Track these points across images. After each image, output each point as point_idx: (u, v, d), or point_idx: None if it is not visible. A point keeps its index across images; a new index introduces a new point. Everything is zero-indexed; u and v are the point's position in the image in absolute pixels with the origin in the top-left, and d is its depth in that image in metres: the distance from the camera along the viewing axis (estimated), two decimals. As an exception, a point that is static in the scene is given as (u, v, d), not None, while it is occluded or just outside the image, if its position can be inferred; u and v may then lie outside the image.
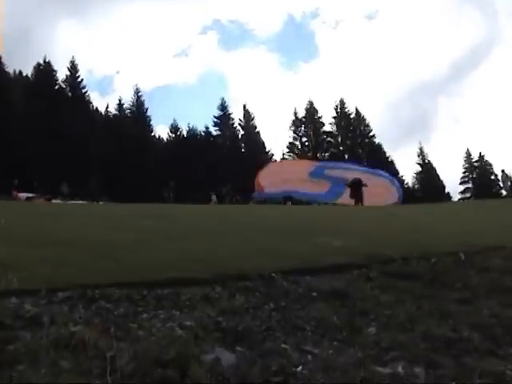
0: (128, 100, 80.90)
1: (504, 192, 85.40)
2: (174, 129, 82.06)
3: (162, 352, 4.38)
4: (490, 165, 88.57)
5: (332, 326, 5.70)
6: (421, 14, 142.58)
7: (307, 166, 10.74)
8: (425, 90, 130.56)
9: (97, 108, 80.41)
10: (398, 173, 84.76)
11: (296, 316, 5.96)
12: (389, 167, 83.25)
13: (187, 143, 78.25)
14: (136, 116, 78.48)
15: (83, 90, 77.21)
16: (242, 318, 5.74)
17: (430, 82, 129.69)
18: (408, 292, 7.13)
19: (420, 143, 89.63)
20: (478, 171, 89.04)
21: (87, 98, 77.80)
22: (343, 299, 6.66)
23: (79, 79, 77.82)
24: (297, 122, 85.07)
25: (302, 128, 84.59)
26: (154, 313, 5.72)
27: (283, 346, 5.05)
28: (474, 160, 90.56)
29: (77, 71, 78.16)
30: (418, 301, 6.77)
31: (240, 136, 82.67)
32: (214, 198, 43.98)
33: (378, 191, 9.76)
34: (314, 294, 6.82)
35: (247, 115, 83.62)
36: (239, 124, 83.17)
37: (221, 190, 46.18)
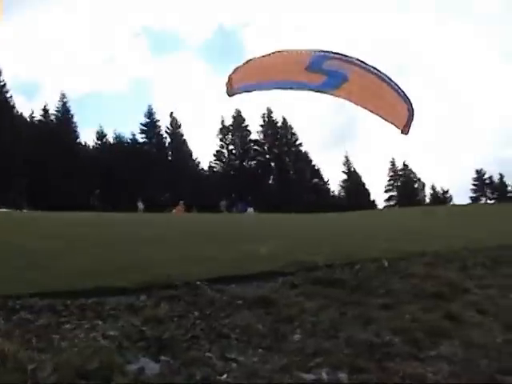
0: (54, 106, 78.75)
1: (427, 199, 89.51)
2: (101, 136, 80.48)
3: (85, 363, 4.36)
4: (414, 173, 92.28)
5: (257, 333, 5.82)
6: (352, 22, 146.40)
7: (306, 56, 10.20)
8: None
9: (21, 113, 77.66)
10: (323, 181, 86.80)
11: (221, 324, 6.05)
12: (315, 175, 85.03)
13: (113, 150, 76.99)
14: (62, 122, 76.33)
15: (7, 95, 74.29)
16: (167, 326, 5.78)
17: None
18: (332, 298, 7.35)
19: (346, 152, 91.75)
20: (403, 179, 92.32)
21: (11, 103, 74.92)
22: (268, 307, 6.80)
23: (2, 83, 74.73)
24: (224, 130, 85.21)
25: (230, 136, 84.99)
26: (77, 323, 5.68)
27: (208, 354, 5.13)
28: (398, 169, 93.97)
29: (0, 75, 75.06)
30: (343, 307, 7.00)
31: (167, 144, 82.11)
32: (140, 205, 43.48)
33: (388, 100, 9.33)
34: (239, 301, 6.92)
35: (174, 123, 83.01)
36: (166, 132, 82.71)
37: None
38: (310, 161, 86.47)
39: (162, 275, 7.58)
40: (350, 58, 10.44)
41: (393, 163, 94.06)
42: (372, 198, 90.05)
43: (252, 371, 4.77)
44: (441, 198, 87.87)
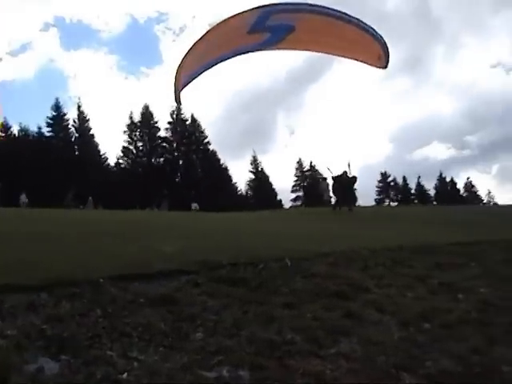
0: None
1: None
2: (5, 128, 77.10)
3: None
4: (321, 174, 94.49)
5: (159, 332, 5.84)
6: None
7: (250, 18, 9.43)
8: (263, 100, 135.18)
9: None
10: (231, 180, 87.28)
11: (123, 322, 6.03)
12: (222, 174, 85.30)
13: (18, 143, 73.87)
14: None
15: None
16: (68, 325, 5.71)
17: (269, 92, 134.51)
18: (235, 297, 7.47)
19: (254, 152, 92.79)
20: (309, 180, 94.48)
21: None
22: (171, 305, 6.83)
23: None
24: (132, 127, 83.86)
25: (138, 132, 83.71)
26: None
27: (109, 352, 5.11)
28: (305, 169, 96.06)
29: None
30: (245, 306, 7.14)
31: (74, 138, 79.76)
32: (23, 198, 41.87)
33: (351, 38, 8.69)
34: (142, 299, 6.91)
35: (82, 117, 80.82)
36: (73, 126, 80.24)
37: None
38: (218, 159, 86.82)
39: (64, 273, 7.46)
40: (300, 5, 10.22)
41: (300, 163, 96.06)
42: (279, 197, 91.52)
43: (153, 370, 4.80)
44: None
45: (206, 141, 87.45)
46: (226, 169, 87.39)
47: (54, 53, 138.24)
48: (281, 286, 8.34)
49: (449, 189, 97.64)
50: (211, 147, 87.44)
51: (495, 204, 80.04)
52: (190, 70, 10.02)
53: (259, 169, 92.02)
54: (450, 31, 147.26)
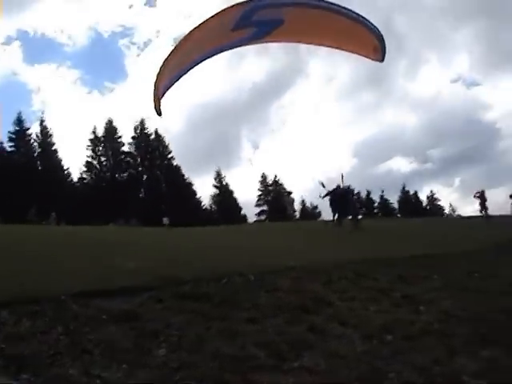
0: None
1: (297, 215, 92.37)
2: None
3: None
4: (284, 188, 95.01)
5: (121, 348, 5.80)
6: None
7: (235, 13, 8.97)
8: (227, 115, 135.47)
9: None
10: (195, 195, 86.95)
11: (85, 339, 5.97)
12: (186, 189, 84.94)
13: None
14: None
15: None
16: (29, 343, 5.64)
17: (233, 107, 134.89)
18: (198, 313, 7.46)
19: (218, 166, 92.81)
20: (273, 194, 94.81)
21: None
22: (133, 321, 6.80)
23: None
24: (95, 141, 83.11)
25: (101, 147, 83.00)
26: None
27: (71, 370, 5.05)
28: (269, 184, 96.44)
29: None
30: (208, 321, 7.13)
31: (36, 153, 78.66)
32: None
33: (344, 30, 8.21)
34: (104, 316, 6.86)
35: (45, 132, 79.81)
36: (36, 140, 79.18)
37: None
38: (182, 174, 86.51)
39: (25, 290, 7.38)
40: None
41: (264, 178, 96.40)
42: (243, 212, 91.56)
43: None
44: (310, 214, 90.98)
45: (170, 156, 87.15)
46: (189, 184, 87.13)
47: (17, 66, 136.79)
48: (244, 300, 8.34)
49: (412, 201, 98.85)
50: (175, 162, 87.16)
51: (457, 216, 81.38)
52: (169, 75, 9.82)
53: (223, 183, 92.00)
54: (412, 47, 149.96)
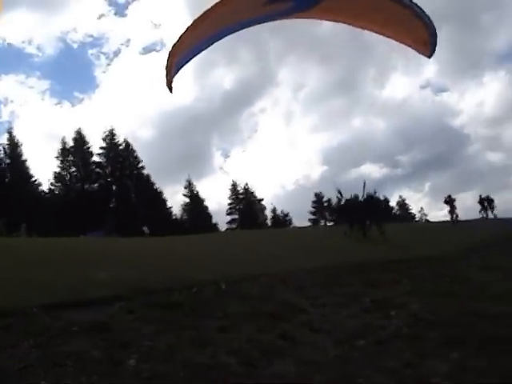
0: None
1: (269, 222, 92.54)
2: None
3: None
4: (255, 197, 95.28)
5: (92, 359, 5.78)
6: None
7: None
8: (197, 124, 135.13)
9: None
10: (165, 204, 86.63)
11: (56, 352, 5.93)
12: (157, 198, 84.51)
13: None
14: None
15: None
16: None
17: (203, 116, 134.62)
18: (169, 322, 7.45)
19: (188, 175, 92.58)
20: (244, 203, 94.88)
21: None
22: (104, 332, 6.78)
23: None
24: (65, 152, 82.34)
25: (71, 158, 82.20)
26: None
27: (42, 383, 5.02)
28: (240, 192, 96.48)
29: None
30: (179, 331, 7.12)
31: (5, 164, 77.66)
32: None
33: (395, 15, 7.69)
34: (75, 328, 6.83)
35: (13, 143, 78.93)
36: (4, 151, 78.20)
37: None
38: (152, 184, 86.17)
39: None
40: None
41: (234, 186, 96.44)
42: (214, 220, 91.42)
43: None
44: (281, 221, 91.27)
45: (140, 165, 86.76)
46: (160, 193, 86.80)
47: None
48: (215, 309, 8.35)
49: (382, 207, 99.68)
50: (145, 171, 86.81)
51: (425, 221, 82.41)
52: (185, 50, 9.21)
53: (194, 192, 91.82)
54: (381, 54, 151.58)
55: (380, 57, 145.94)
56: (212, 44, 9.36)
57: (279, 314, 8.30)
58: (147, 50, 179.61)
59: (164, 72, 8.94)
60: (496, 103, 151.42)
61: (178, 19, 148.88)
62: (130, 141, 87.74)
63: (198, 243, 24.71)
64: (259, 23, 9.65)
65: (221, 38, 9.37)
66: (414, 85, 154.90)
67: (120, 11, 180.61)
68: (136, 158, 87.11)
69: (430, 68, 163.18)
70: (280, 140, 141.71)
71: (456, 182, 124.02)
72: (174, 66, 9.09)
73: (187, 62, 9.29)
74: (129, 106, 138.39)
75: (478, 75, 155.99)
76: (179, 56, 9.08)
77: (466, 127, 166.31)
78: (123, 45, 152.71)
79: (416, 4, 9.14)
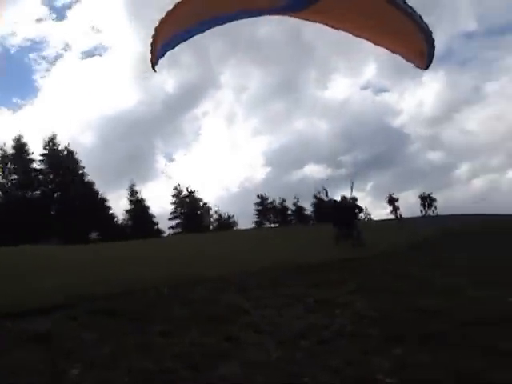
0: None
1: (213, 225, 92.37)
2: None
3: None
4: (199, 200, 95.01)
5: (34, 370, 5.64)
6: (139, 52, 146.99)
7: None
8: (139, 128, 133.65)
9: None
10: (109, 210, 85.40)
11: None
12: (100, 204, 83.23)
13: None
14: None
15: None
16: None
17: (145, 120, 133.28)
18: (113, 328, 7.35)
19: (131, 180, 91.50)
20: (188, 206, 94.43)
21: None
22: (46, 342, 6.63)
23: None
24: (4, 159, 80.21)
25: (10, 165, 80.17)
26: None
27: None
28: (183, 196, 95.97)
29: None
30: (123, 337, 7.03)
31: None
32: None
33: (393, 22, 7.32)
34: (18, 338, 6.69)
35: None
36: None
37: None
38: (95, 190, 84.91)
39: None
40: None
41: (178, 190, 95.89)
42: (158, 225, 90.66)
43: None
44: (226, 224, 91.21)
45: (82, 171, 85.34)
46: (103, 199, 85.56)
47: None
48: (158, 314, 8.28)
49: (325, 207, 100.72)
50: (88, 178, 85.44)
51: (367, 219, 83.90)
52: (172, 33, 8.71)
53: (138, 197, 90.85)
54: (322, 55, 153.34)
55: (321, 58, 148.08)
56: (203, 31, 8.96)
57: (223, 316, 8.27)
58: (87, 54, 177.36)
59: (150, 50, 8.61)
60: (435, 103, 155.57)
61: (117, 24, 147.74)
62: (71, 147, 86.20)
63: (140, 248, 24.52)
64: (250, 16, 9.40)
65: (211, 27, 9.00)
66: (355, 85, 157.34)
67: (60, 15, 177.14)
68: (78, 163, 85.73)
69: (370, 69, 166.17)
70: (223, 143, 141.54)
71: (398, 181, 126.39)
72: (159, 45, 8.70)
73: (179, 42, 8.85)
74: (70, 111, 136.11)
75: (417, 75, 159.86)
76: (167, 35, 8.67)
77: (407, 127, 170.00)
78: (63, 49, 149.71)
79: (418, 14, 8.76)
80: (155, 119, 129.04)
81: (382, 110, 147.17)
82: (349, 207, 24.41)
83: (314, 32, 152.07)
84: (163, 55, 8.79)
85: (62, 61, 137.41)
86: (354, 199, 25.19)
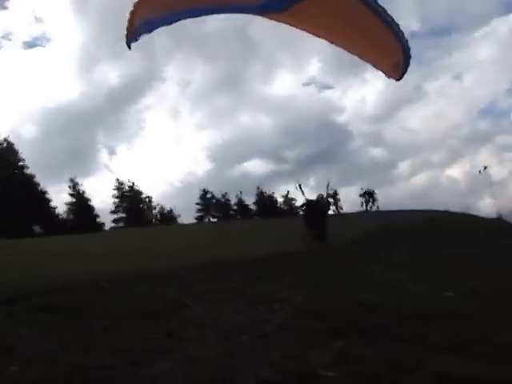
0: None
1: (156, 220, 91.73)
2: None
3: None
4: (142, 193, 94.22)
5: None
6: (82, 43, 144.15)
7: None
8: (81, 120, 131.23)
9: None
10: (49, 204, 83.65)
11: None
12: (40, 198, 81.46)
13: None
14: None
15: None
16: None
17: (87, 113, 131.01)
18: (52, 325, 7.23)
19: (73, 174, 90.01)
20: (130, 200, 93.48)
21: None
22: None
23: None
24: None
25: None
26: None
27: None
28: (126, 190, 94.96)
29: None
30: (62, 333, 6.91)
31: None
32: None
33: (371, 31, 6.98)
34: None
35: None
36: None
37: None
38: (36, 183, 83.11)
39: None
40: None
41: (120, 184, 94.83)
42: (100, 219, 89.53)
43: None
44: (168, 218, 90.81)
45: (22, 164, 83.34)
46: (44, 192, 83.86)
47: None
48: (99, 309, 8.19)
49: (267, 203, 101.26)
50: (28, 171, 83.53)
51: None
52: (154, 12, 8.28)
53: (79, 191, 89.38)
54: (267, 51, 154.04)
55: (266, 54, 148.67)
56: (180, 19, 8.64)
57: (164, 311, 8.24)
58: (29, 44, 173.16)
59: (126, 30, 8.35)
60: (377, 101, 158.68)
61: (61, 14, 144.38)
62: (11, 139, 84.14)
63: (81, 242, 24.19)
64: (229, 12, 9.43)
65: (186, 17, 8.74)
66: (299, 81, 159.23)
67: (1, 4, 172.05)
68: (17, 156, 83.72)
69: (314, 65, 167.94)
70: (167, 137, 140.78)
71: (340, 177, 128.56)
72: (136, 24, 8.39)
73: (155, 28, 8.52)
74: (10, 102, 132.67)
75: (360, 73, 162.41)
76: (142, 17, 8.38)
77: (350, 123, 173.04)
78: (4, 38, 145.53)
79: (397, 25, 8.86)
80: (98, 112, 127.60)
81: (326, 107, 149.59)
82: (322, 206, 23.84)
83: (260, 27, 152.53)
84: (139, 35, 8.61)
85: (3, 51, 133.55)
86: (328, 198, 24.74)
